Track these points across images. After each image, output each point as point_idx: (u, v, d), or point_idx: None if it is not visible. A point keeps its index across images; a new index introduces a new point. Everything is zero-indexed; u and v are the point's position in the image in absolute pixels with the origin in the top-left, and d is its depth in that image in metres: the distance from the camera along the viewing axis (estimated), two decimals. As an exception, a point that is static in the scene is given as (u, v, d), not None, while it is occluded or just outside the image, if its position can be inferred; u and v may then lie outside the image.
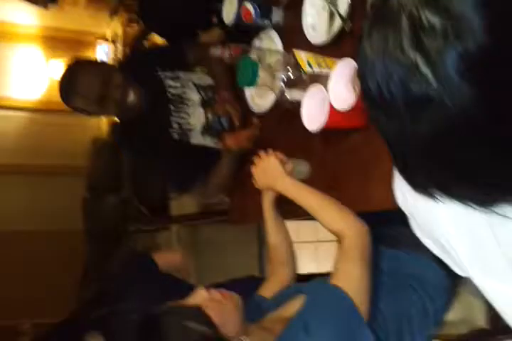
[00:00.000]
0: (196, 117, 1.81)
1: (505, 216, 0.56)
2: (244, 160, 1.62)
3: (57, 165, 4.15)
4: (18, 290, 3.79)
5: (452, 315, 1.34)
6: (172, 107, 1.80)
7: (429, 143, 0.51)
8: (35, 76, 4.09)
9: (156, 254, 1.81)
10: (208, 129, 1.80)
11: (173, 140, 1.79)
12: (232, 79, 1.61)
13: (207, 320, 1.07)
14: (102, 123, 4.34)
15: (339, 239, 1.18)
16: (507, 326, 1.38)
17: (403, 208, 0.81)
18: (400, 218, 1.24)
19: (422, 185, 0.63)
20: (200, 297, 1.10)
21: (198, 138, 1.81)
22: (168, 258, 1.82)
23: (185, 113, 1.80)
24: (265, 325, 1.19)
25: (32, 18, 3.94)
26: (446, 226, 0.71)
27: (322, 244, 2.69)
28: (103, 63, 1.79)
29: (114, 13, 3.60)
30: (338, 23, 1.19)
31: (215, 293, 1.12)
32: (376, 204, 1.16)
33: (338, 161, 1.28)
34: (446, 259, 0.83)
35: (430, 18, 0.47)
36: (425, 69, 0.47)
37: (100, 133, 4.16)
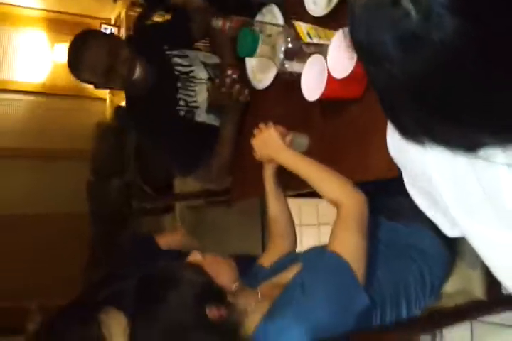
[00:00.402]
0: (203, 95, 1.81)
1: (488, 160, 0.58)
2: (243, 132, 1.64)
3: (61, 149, 4.17)
4: (25, 273, 3.84)
5: (450, 286, 1.36)
6: (179, 84, 1.81)
7: (417, 85, 0.52)
8: (39, 60, 4.11)
9: (158, 236, 1.84)
10: (210, 105, 1.81)
11: (178, 117, 1.80)
12: (234, 53, 1.62)
13: (202, 272, 1.12)
14: (106, 108, 4.36)
15: (337, 208, 1.21)
16: (505, 297, 1.40)
17: (395, 159, 0.83)
18: (399, 189, 1.27)
19: (411, 131, 0.64)
20: (195, 256, 1.15)
21: (203, 116, 1.82)
22: (169, 239, 1.86)
23: (192, 90, 1.81)
24: (262, 291, 1.22)
25: (37, 2, 3.95)
26: (433, 172, 0.72)
27: (325, 227, 2.71)
28: (112, 35, 1.79)
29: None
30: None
31: (208, 254, 1.18)
32: (375, 173, 1.17)
33: (336, 133, 1.29)
34: (435, 216, 0.85)
35: None
36: (407, 4, 0.47)
37: (104, 117, 4.18)
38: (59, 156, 4.22)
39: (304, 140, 1.36)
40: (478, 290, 1.34)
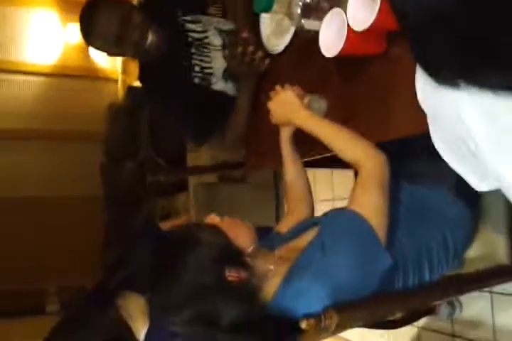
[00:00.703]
0: (218, 61, 1.77)
1: None
2: (259, 99, 1.61)
3: (74, 131, 4.17)
4: (40, 255, 3.86)
5: (473, 251, 1.33)
6: (193, 50, 1.77)
7: (454, 19, 0.49)
8: (51, 40, 4.08)
9: (162, 223, 1.83)
10: (229, 73, 1.77)
11: (193, 84, 1.77)
12: (249, 19, 1.58)
13: (220, 234, 1.10)
14: (118, 88, 4.34)
15: (357, 169, 1.17)
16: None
17: (425, 107, 0.80)
18: (422, 151, 1.23)
19: (445, 74, 0.61)
20: (212, 218, 1.13)
21: (220, 85, 1.79)
22: (171, 225, 1.85)
23: (206, 56, 1.77)
24: (280, 254, 1.20)
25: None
26: (469, 114, 0.69)
27: (339, 202, 2.68)
28: (123, 1, 1.75)
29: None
30: None
31: (226, 217, 1.16)
32: (399, 131, 1.14)
33: (356, 93, 1.26)
34: (464, 170, 0.82)
35: None
36: None
37: (117, 98, 4.16)
38: (72, 138, 4.22)
39: (321, 102, 1.32)
40: (502, 255, 1.31)
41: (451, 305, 1.91)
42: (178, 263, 1.08)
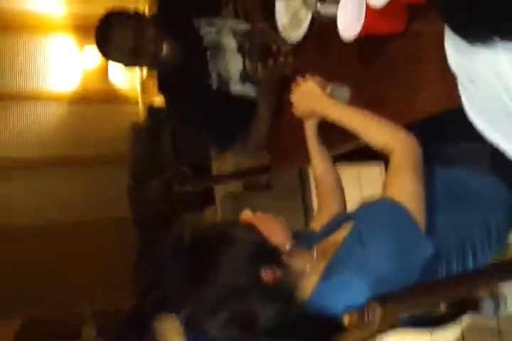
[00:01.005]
0: (234, 64, 1.76)
1: None
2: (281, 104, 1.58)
3: (98, 155, 4.19)
4: (74, 281, 3.86)
5: (516, 236, 1.26)
6: (209, 55, 1.76)
7: None
8: (70, 66, 4.14)
9: None
10: (246, 76, 1.75)
11: (212, 90, 1.76)
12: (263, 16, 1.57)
13: (254, 231, 1.05)
14: (139, 109, 4.36)
15: (387, 155, 1.12)
16: None
17: (456, 72, 0.75)
18: (454, 132, 1.17)
19: (477, 31, 0.59)
20: (246, 215, 1.08)
21: (237, 87, 1.77)
22: None
23: (222, 59, 1.76)
24: (317, 251, 1.15)
25: (63, 7, 3.98)
26: (507, 73, 0.65)
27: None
28: (135, 14, 1.78)
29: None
30: None
31: (259, 213, 1.11)
32: (425, 110, 1.09)
33: (378, 76, 1.22)
34: (499, 134, 0.77)
35: None
36: None
37: (137, 119, 4.18)
38: (96, 162, 4.24)
39: (344, 90, 1.29)
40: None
41: (495, 300, 1.81)
42: (212, 262, 1.04)
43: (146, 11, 3.82)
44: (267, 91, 1.67)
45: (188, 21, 1.78)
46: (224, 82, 1.76)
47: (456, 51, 0.75)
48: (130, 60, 1.72)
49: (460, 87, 0.80)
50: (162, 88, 1.90)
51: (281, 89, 1.61)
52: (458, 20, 0.60)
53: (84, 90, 4.25)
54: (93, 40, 1.76)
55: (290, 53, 1.52)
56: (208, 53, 1.76)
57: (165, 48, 1.70)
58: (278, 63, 1.55)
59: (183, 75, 1.76)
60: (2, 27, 3.92)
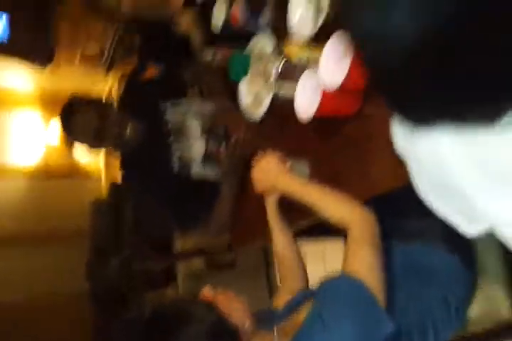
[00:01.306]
0: (197, 147, 1.80)
1: None
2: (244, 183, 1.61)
3: (58, 230, 4.11)
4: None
5: (474, 309, 1.26)
6: (172, 138, 1.80)
7: (433, 53, 0.51)
8: (33, 141, 4.13)
9: None
10: (208, 158, 1.79)
11: (173, 173, 1.78)
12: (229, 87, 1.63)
13: (214, 309, 1.02)
14: (102, 184, 4.34)
15: (346, 231, 1.13)
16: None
17: (403, 154, 0.79)
18: (409, 207, 1.20)
19: (418, 115, 0.62)
20: (207, 292, 1.06)
21: (198, 169, 1.79)
22: None
23: (185, 143, 1.80)
24: (278, 331, 1.12)
25: (30, 82, 4.04)
26: (449, 157, 0.69)
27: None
28: (99, 100, 1.84)
29: (109, 68, 3.71)
30: (323, 14, 1.22)
31: (220, 290, 1.08)
32: (381, 186, 1.13)
33: (335, 153, 1.26)
34: (451, 214, 0.79)
35: None
36: None
37: (100, 195, 4.15)
38: (57, 236, 4.15)
39: (303, 165, 1.32)
40: (506, 311, 1.24)
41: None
42: (170, 339, 1.00)
43: (114, 90, 3.92)
44: (230, 171, 1.70)
45: (154, 104, 1.82)
46: (185, 164, 1.78)
47: (400, 135, 0.79)
48: (95, 142, 1.76)
49: (408, 166, 0.83)
50: (124, 167, 1.91)
51: (243, 168, 1.65)
52: (398, 103, 0.63)
53: (47, 165, 4.23)
54: (57, 115, 1.79)
55: (249, 133, 1.57)
56: (172, 137, 1.79)
57: (129, 129, 1.74)
58: (239, 143, 1.60)
59: (145, 156, 1.80)
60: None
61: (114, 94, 3.91)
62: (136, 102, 1.89)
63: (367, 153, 1.16)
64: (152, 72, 1.96)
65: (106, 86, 4.16)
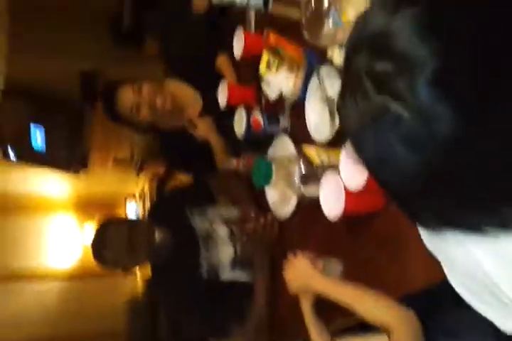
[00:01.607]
0: (225, 252, 1.81)
1: None
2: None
3: (96, 331, 4.06)
4: None
5: None
6: (201, 246, 1.80)
7: (432, 178, 0.52)
8: (69, 243, 4.22)
9: None
10: (237, 262, 1.79)
11: (202, 280, 1.77)
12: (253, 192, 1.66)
13: None
14: (137, 283, 4.33)
15: (386, 333, 1.10)
16: None
17: (435, 254, 0.78)
18: (451, 299, 1.17)
19: (437, 227, 0.63)
20: None
21: (228, 274, 1.79)
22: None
23: (214, 250, 1.81)
24: None
25: (65, 187, 4.19)
26: (480, 260, 0.68)
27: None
28: (131, 220, 1.90)
29: (139, 170, 3.84)
30: (338, 119, 1.27)
31: None
32: (416, 283, 1.10)
33: (366, 249, 1.25)
34: (487, 311, 0.77)
35: (382, 66, 0.50)
36: (396, 107, 0.49)
37: (136, 293, 4.13)
38: (93, 338, 4.09)
39: (336, 264, 1.30)
40: None
41: None
42: None
43: (144, 192, 4.03)
44: (260, 266, 1.69)
45: (182, 211, 1.85)
46: (214, 270, 1.78)
47: (427, 235, 0.79)
48: (128, 257, 1.75)
49: (442, 264, 0.82)
50: (154, 280, 1.93)
51: (272, 264, 1.63)
52: (411, 213, 0.62)
53: (84, 267, 4.27)
54: (92, 217, 1.83)
55: (274, 221, 1.59)
56: (200, 244, 1.80)
57: (157, 237, 1.75)
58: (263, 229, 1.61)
59: (173, 267, 1.80)
60: (4, 208, 4.08)
61: (144, 197, 4.04)
62: (164, 209, 1.95)
63: (399, 249, 1.14)
64: (179, 178, 2.03)
65: (137, 188, 4.30)
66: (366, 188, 1.10)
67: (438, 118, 0.48)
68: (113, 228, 1.76)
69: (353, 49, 0.56)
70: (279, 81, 1.50)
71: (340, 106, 0.58)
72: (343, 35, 0.86)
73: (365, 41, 0.54)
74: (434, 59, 0.48)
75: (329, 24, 0.85)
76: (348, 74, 0.57)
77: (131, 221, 1.88)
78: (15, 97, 2.96)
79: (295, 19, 0.92)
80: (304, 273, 1.27)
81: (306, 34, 0.89)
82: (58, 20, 2.99)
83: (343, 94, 0.58)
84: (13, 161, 3.61)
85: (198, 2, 2.09)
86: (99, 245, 1.76)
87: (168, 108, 1.91)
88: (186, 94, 2.04)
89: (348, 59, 0.57)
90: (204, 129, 1.96)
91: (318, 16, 0.87)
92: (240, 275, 1.80)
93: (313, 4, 0.90)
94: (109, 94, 1.94)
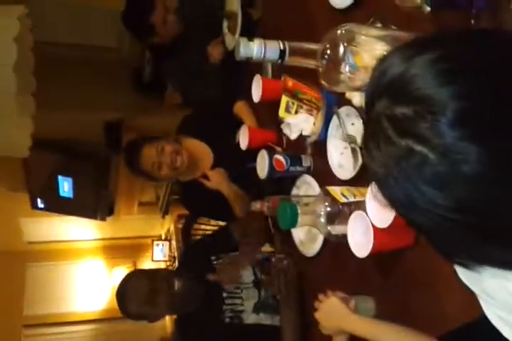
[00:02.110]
0: (249, 298, 1.83)
1: None
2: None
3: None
4: None
5: None
6: (225, 295, 1.84)
7: (467, 215, 0.53)
8: (99, 287, 4.25)
9: None
10: (261, 307, 1.81)
11: (224, 325, 1.80)
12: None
13: None
14: (166, 323, 4.31)
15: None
16: None
17: (471, 288, 0.78)
18: (489, 333, 1.15)
19: (470, 265, 0.63)
20: None
21: (252, 318, 1.81)
22: None
23: (238, 298, 1.83)
24: None
25: (92, 233, 4.25)
26: None
27: None
28: (152, 272, 1.95)
29: (164, 213, 3.88)
30: (361, 157, 1.29)
31: None
32: (453, 319, 1.09)
33: (399, 286, 1.24)
34: None
35: (402, 110, 0.53)
36: (421, 149, 0.51)
37: (166, 333, 4.11)
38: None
39: (368, 302, 1.29)
40: None
41: None
42: None
43: (172, 230, 4.05)
44: (286, 303, 1.68)
45: (208, 263, 1.90)
46: (237, 316, 1.81)
47: (462, 271, 0.79)
48: (148, 309, 1.79)
49: (478, 297, 0.82)
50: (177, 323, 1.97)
51: (299, 300, 1.64)
52: (443, 252, 0.63)
53: (113, 309, 4.27)
54: (121, 261, 1.86)
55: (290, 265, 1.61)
56: (224, 293, 1.83)
57: (177, 285, 1.78)
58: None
59: (198, 318, 1.82)
60: (36, 256, 4.15)
61: (170, 238, 4.07)
62: (190, 258, 2.02)
63: (433, 283, 1.13)
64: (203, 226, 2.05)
65: (162, 229, 4.34)
66: (394, 224, 1.10)
67: (464, 157, 0.49)
68: (134, 281, 1.81)
69: (372, 95, 0.59)
70: (298, 122, 1.54)
71: (364, 152, 0.61)
72: (361, 81, 0.89)
73: (384, 87, 0.56)
74: (455, 100, 0.50)
75: (346, 71, 0.88)
76: (369, 119, 0.59)
77: (152, 273, 1.92)
78: (42, 150, 3.05)
79: (311, 67, 0.96)
80: (336, 314, 1.26)
81: (324, 83, 0.93)
82: (81, 74, 3.11)
83: (365, 140, 0.60)
84: (42, 211, 3.70)
85: (213, 51, 2.17)
86: (121, 299, 1.80)
87: (186, 165, 2.03)
88: (200, 149, 2.15)
89: (368, 105, 0.60)
90: (216, 181, 2.05)
91: (335, 64, 0.90)
92: (264, 318, 1.81)
93: (328, 52, 0.93)
94: (133, 151, 2.05)
